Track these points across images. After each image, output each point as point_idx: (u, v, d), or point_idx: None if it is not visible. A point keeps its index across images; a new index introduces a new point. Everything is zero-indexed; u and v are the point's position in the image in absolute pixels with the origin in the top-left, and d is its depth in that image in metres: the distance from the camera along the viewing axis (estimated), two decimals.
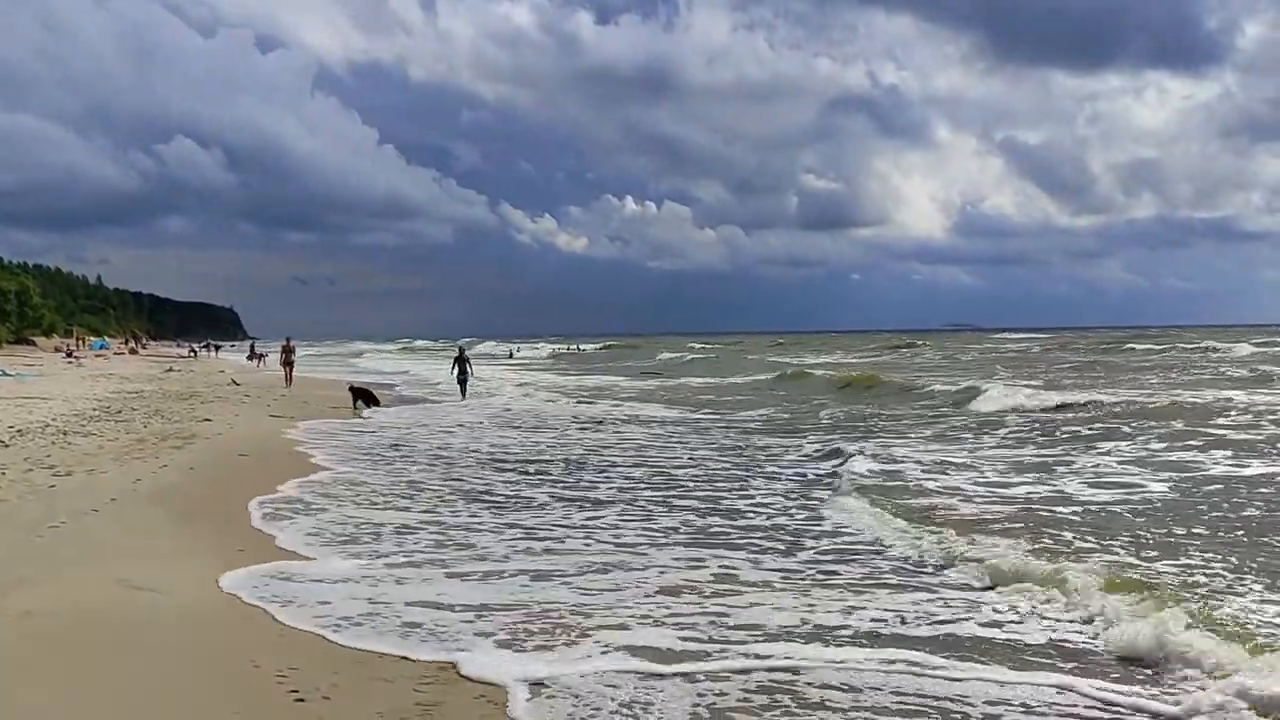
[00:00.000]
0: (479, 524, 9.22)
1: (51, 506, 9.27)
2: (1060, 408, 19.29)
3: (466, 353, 29.44)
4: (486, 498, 10.75)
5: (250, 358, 60.78)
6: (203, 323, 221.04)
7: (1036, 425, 17.16)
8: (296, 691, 4.83)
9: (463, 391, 27.54)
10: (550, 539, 8.55)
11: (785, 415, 21.55)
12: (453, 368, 28.44)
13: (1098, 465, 12.43)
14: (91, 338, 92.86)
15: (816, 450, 14.76)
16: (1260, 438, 14.16)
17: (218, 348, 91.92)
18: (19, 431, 15.38)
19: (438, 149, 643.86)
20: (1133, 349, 50.68)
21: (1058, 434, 15.84)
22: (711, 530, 8.97)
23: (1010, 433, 16.46)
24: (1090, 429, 16.10)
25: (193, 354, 78.07)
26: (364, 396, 24.24)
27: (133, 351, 79.44)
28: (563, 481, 11.93)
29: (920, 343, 72.39)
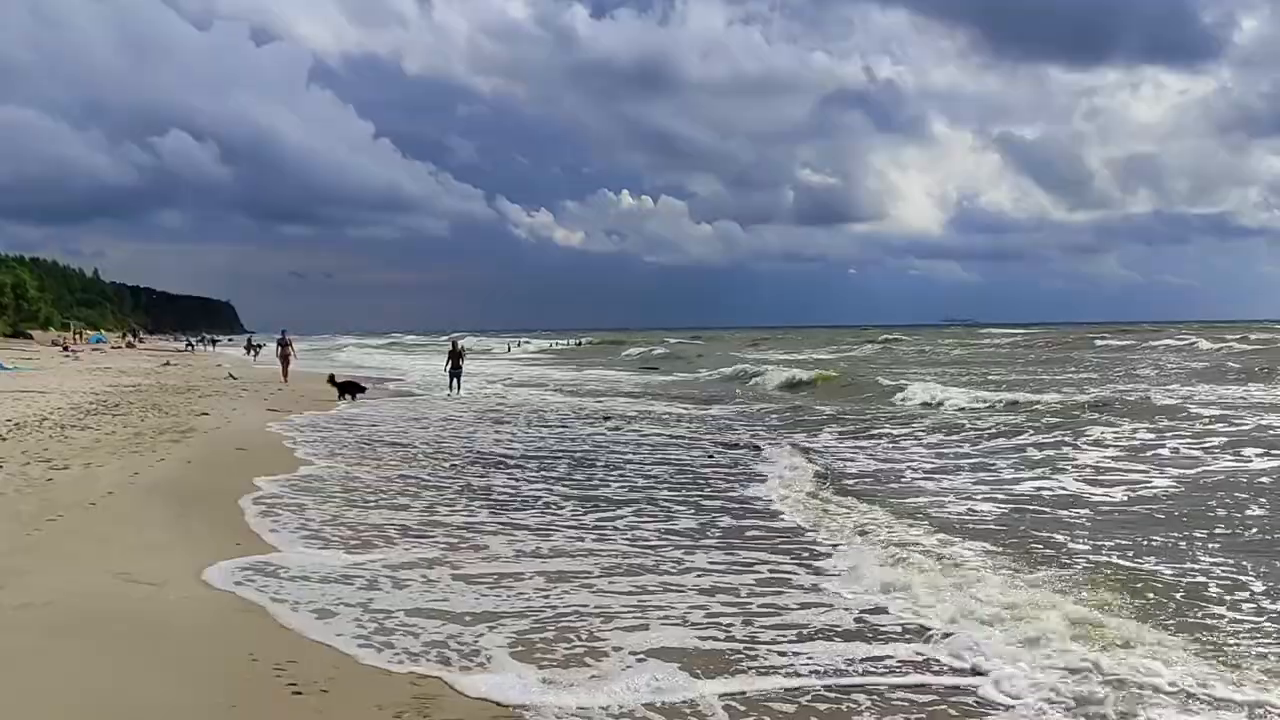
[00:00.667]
0: (479, 524, 9.21)
1: (49, 500, 9.28)
2: (1002, 406, 20.00)
3: (460, 345, 29.40)
4: (489, 496, 10.74)
5: (247, 351, 60.86)
6: (200, 316, 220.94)
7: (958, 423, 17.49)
8: (294, 684, 4.85)
9: (457, 386, 27.53)
10: (558, 540, 8.54)
11: (712, 412, 21.69)
12: (447, 362, 28.43)
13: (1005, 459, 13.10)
14: (88, 331, 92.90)
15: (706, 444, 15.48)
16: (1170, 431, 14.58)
17: (214, 341, 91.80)
18: (16, 425, 15.38)
19: (434, 143, 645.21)
20: (1108, 345, 51.41)
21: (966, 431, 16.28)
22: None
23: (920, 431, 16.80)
24: (1013, 426, 16.49)
25: (189, 348, 78.10)
26: (348, 388, 24.44)
27: (129, 345, 79.44)
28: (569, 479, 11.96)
29: (903, 339, 72.71)
